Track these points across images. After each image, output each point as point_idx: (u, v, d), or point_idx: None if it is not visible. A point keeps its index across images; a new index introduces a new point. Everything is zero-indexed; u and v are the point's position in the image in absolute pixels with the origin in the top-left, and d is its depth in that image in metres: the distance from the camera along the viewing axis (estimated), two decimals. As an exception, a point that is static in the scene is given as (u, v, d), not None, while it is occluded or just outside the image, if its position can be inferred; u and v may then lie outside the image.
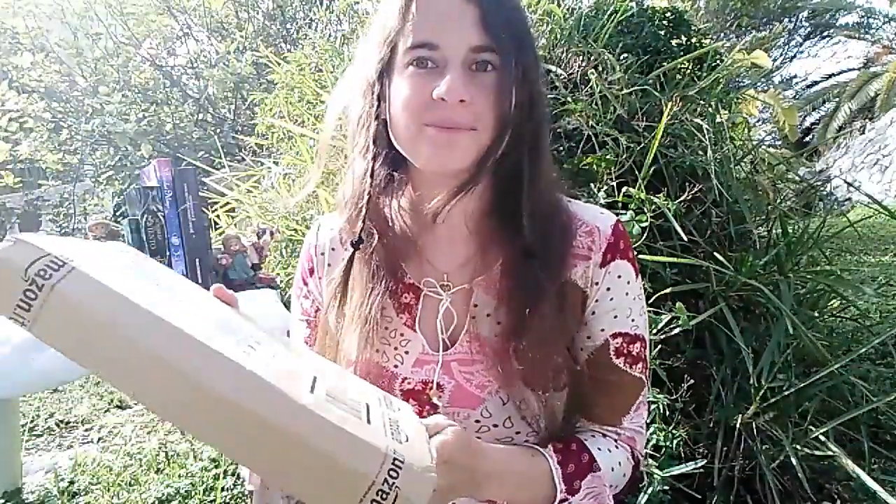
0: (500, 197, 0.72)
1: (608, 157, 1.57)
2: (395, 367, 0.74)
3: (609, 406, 0.75)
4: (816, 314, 1.83)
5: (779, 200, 2.08)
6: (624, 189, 1.49)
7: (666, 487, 1.31)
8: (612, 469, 0.71)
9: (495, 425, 0.71)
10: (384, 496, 0.44)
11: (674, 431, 1.40)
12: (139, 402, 0.45)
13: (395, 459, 0.46)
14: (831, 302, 1.98)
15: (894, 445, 1.81)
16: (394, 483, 0.45)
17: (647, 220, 1.41)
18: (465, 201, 0.70)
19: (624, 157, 1.60)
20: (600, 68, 1.78)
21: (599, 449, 0.72)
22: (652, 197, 1.44)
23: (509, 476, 0.65)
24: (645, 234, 1.45)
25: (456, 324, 0.73)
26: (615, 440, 0.75)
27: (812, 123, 13.43)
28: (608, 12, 1.86)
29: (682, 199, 1.52)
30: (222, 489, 1.93)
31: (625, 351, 0.73)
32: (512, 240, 0.70)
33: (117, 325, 0.44)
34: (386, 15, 0.66)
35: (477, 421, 0.72)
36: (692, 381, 1.48)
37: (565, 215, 0.73)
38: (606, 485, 0.70)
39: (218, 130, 5.01)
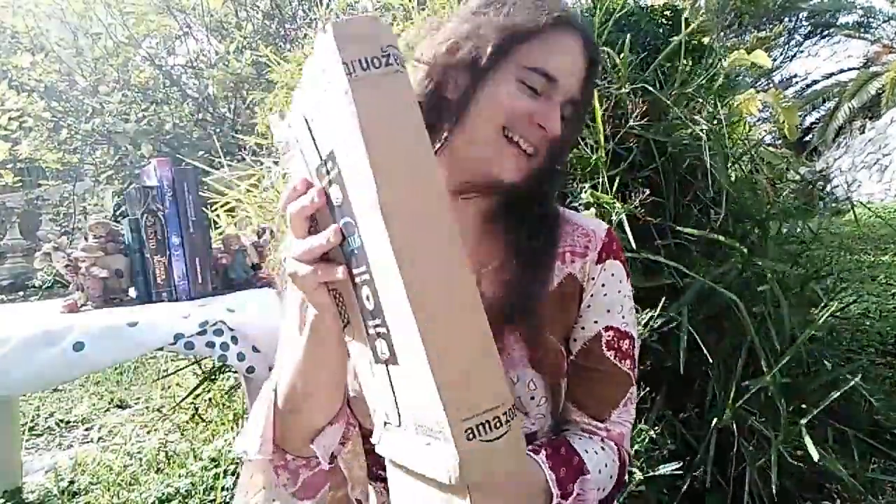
0: (513, 199, 0.76)
1: (584, 155, 1.58)
2: None
3: (600, 397, 0.79)
4: (800, 312, 1.82)
5: (778, 199, 2.08)
6: (590, 191, 1.52)
7: (660, 488, 1.31)
8: (600, 471, 0.73)
9: None
10: (498, 424, 0.47)
11: (664, 430, 1.41)
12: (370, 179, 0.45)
13: (514, 407, 0.50)
14: (832, 302, 1.97)
15: (894, 445, 1.81)
16: (509, 421, 0.48)
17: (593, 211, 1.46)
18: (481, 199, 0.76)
19: (599, 156, 1.60)
20: (599, 66, 1.78)
21: (587, 451, 0.74)
22: (617, 202, 1.47)
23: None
24: (641, 234, 1.45)
25: None
26: (602, 438, 0.77)
27: (812, 123, 13.43)
28: (604, 9, 1.85)
29: (643, 199, 1.53)
30: (222, 489, 1.93)
31: (615, 345, 0.78)
32: (511, 237, 0.76)
33: (409, 137, 0.47)
34: (519, 9, 0.69)
35: None
36: (690, 381, 1.48)
37: (561, 220, 0.80)
38: (594, 488, 0.71)
39: (218, 130, 5.00)
